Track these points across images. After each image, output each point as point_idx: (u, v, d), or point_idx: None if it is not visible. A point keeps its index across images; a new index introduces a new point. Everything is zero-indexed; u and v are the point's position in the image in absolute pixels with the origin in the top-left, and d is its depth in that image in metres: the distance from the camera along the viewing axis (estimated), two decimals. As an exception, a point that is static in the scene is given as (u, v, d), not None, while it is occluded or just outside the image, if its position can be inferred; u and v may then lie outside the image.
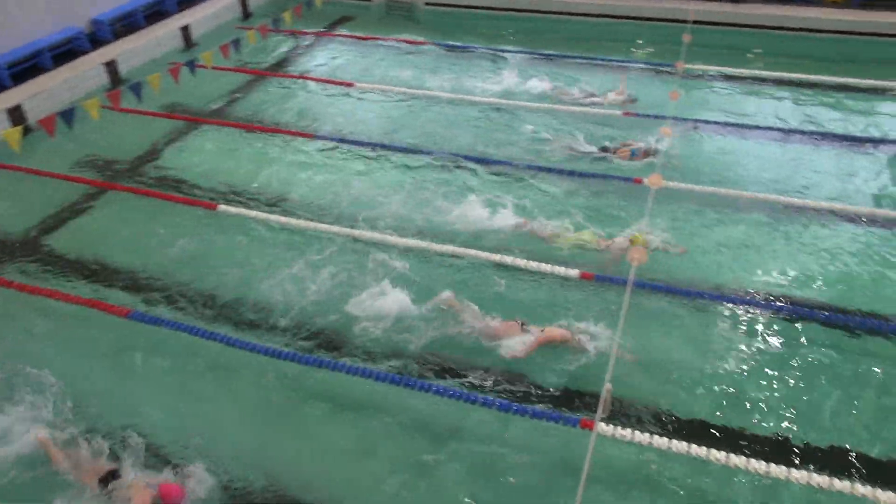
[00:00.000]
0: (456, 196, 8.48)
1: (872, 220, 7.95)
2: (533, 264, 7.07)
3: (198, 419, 5.74)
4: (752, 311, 6.64)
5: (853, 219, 7.97)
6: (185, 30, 13.54)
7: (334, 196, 8.68)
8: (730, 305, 6.69)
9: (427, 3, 15.48)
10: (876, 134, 9.92)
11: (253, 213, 8.15)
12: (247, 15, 15.36)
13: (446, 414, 5.65)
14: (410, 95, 11.27)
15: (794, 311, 6.62)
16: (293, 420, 5.73)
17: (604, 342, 6.09)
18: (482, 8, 15.16)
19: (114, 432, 5.49)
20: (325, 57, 13.17)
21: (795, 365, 6.11)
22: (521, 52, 12.92)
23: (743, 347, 6.27)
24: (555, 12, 14.75)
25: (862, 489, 4.73)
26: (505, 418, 5.50)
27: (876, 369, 6.05)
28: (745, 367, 6.06)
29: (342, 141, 9.92)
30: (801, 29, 13.49)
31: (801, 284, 7.04)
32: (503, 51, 12.96)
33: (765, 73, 11.62)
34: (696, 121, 10.10)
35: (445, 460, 5.31)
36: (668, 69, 11.59)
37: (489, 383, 5.89)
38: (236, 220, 8.11)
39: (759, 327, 6.48)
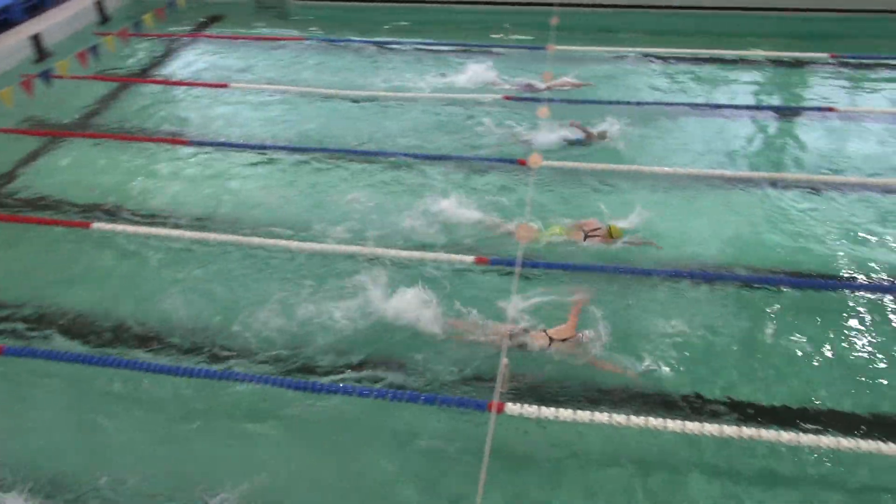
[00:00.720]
0: (348, 192, 8.40)
1: (747, 182, 8.51)
2: (430, 255, 7.12)
3: (99, 452, 5.40)
4: (644, 278, 6.91)
5: (733, 182, 8.50)
6: (35, 39, 12.59)
7: (219, 203, 8.39)
8: (622, 276, 6.93)
9: (297, -2, 15.18)
10: (743, 101, 10.65)
11: (132, 228, 7.74)
12: (105, 19, 14.48)
13: (355, 413, 5.61)
14: (291, 93, 11.03)
15: (679, 274, 6.96)
16: (202, 436, 5.51)
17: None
18: (355, 0, 15.04)
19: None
20: (195, 59, 12.65)
21: (684, 323, 6.41)
22: (400, 42, 12.93)
23: (635, 311, 6.55)
24: (428, 1, 14.84)
25: (748, 431, 5.11)
26: (414, 408, 5.51)
27: (759, 320, 6.52)
28: (635, 331, 6.34)
29: (222, 145, 9.58)
30: (661, 7, 14.24)
31: (686, 248, 7.42)
32: (381, 43, 12.92)
33: (633, 50, 12.20)
34: (572, 101, 10.46)
35: (363, 460, 5.29)
36: (541, 51, 11.96)
37: (395, 377, 5.89)
38: (114, 238, 7.68)
39: (653, 293, 6.76)
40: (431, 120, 10.15)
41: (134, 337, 6.42)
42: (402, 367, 5.97)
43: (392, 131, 9.91)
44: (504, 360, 4.99)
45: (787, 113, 10.30)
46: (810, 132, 9.81)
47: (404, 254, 7.15)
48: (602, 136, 9.29)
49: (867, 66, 11.67)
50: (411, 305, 6.40)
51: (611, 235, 7.28)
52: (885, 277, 6.94)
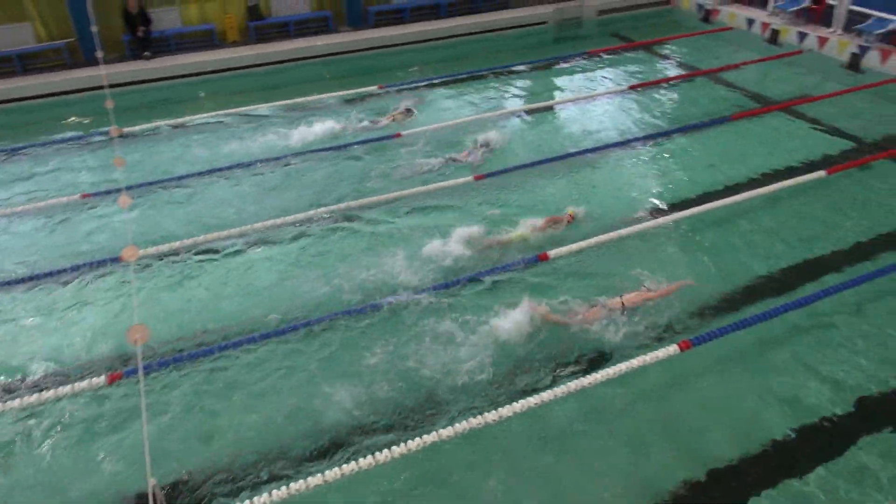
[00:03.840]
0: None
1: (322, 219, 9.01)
2: (33, 398, 5.99)
3: None
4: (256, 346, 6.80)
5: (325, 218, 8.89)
6: None
7: None
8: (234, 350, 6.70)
9: None
10: (328, 144, 11.07)
11: None
12: None
13: None
14: None
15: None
16: None
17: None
18: None
19: None
20: None
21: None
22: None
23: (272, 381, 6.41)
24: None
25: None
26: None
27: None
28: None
29: None
30: (213, 71, 14.36)
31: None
32: None
33: (200, 117, 12.05)
34: (156, 182, 9.89)
35: None
36: (104, 137, 11.08)
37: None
38: None
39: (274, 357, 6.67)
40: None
41: None
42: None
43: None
44: (152, 481, 4.31)
45: (365, 144, 11.11)
46: (385, 154, 10.78)
47: (22, 402, 5.91)
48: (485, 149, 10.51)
49: (409, 90, 13.35)
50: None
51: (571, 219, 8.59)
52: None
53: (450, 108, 12.58)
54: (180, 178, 9.98)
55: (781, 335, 6.86)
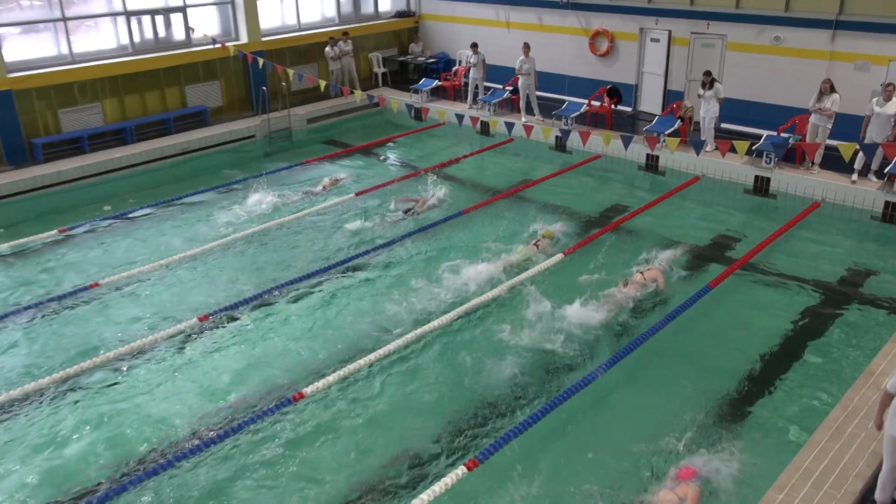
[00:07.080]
0: None
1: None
2: None
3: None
4: None
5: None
6: None
7: None
8: None
9: None
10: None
11: None
12: None
13: None
14: None
15: None
16: None
17: None
18: None
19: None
20: None
21: None
22: None
23: None
24: None
25: None
26: None
27: None
28: None
29: None
30: None
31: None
32: None
33: None
34: None
35: None
36: None
37: None
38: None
39: None
40: None
41: None
42: None
43: None
44: None
45: (56, 302, 8.81)
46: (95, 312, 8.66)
47: None
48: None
49: (106, 232, 11.00)
50: None
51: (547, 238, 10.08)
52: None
53: (150, 240, 10.57)
54: None
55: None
